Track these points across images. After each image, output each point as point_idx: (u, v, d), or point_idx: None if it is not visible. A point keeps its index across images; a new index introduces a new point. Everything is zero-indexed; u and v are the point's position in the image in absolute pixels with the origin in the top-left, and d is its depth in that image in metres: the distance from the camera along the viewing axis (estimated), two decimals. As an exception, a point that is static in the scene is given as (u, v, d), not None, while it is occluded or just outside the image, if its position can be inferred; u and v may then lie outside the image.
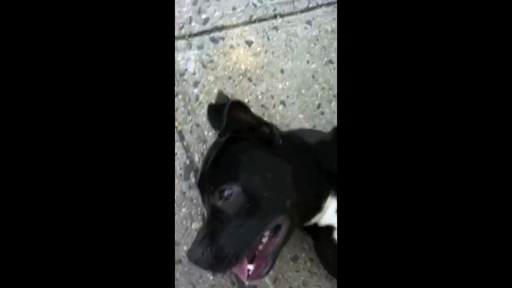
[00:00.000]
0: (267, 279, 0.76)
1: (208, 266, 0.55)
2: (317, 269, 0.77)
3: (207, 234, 0.56)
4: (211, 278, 0.72)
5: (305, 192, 0.61)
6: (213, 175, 0.60)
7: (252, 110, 0.81)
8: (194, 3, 0.77)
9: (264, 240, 0.60)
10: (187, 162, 0.73)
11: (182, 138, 0.73)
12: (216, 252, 0.54)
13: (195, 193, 0.73)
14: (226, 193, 0.56)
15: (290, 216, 0.59)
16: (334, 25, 0.94)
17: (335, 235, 0.67)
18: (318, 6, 0.94)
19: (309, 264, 0.78)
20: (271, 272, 0.77)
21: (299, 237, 0.78)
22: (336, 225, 0.66)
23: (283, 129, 0.81)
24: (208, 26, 0.78)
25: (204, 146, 0.75)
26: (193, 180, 0.73)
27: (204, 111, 0.75)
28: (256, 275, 0.60)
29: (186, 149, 0.73)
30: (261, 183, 0.58)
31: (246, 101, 0.81)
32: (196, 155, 0.74)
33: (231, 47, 0.80)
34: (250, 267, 0.59)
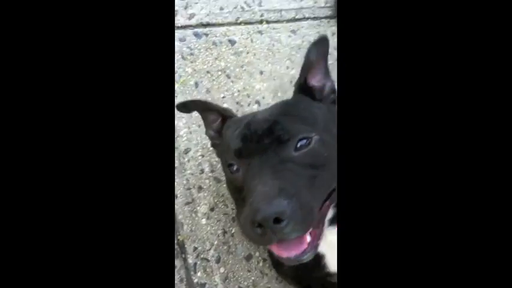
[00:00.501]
0: (217, 278, 0.75)
1: (300, 218, 0.44)
2: (268, 270, 0.77)
3: (282, 186, 0.46)
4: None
5: None
6: (287, 125, 0.52)
7: (226, 105, 0.84)
8: (182, -2, 0.81)
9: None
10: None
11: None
12: (302, 204, 0.45)
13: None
14: (305, 141, 0.50)
15: None
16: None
17: None
18: (304, 18, 0.98)
19: (261, 264, 0.78)
20: (222, 270, 0.77)
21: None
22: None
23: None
24: (193, 22, 0.81)
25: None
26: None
27: (177, 100, 0.77)
28: (312, 247, 0.49)
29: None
30: (332, 135, 0.53)
31: (222, 96, 0.84)
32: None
33: (214, 43, 0.83)
34: (308, 237, 0.49)
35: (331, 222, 0.60)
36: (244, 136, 0.54)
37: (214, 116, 0.67)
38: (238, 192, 0.54)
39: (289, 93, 0.91)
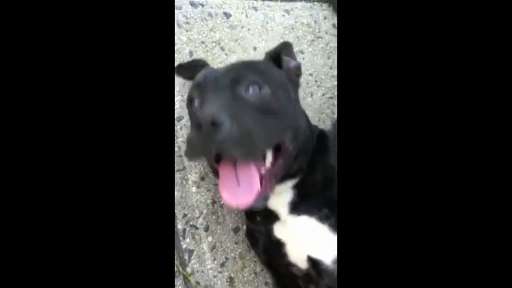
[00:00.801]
0: (205, 246, 0.75)
1: (238, 139, 0.46)
2: (256, 241, 0.78)
3: (228, 107, 0.49)
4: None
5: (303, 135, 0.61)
6: (244, 72, 0.57)
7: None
8: (179, -33, 0.80)
9: (268, 162, 0.56)
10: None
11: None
12: (242, 128, 0.47)
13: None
14: (256, 87, 0.55)
15: (293, 141, 0.57)
16: (310, 20, 1.00)
17: (276, 229, 0.66)
18: (298, 0, 1.00)
19: (249, 235, 0.79)
20: (210, 239, 0.77)
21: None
22: (282, 217, 0.65)
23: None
24: (189, -10, 0.81)
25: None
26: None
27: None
28: (261, 198, 0.51)
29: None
30: (287, 95, 0.59)
31: (216, 68, 0.84)
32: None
33: (209, 14, 0.83)
34: (258, 186, 0.52)
35: (293, 209, 0.64)
36: (205, 75, 0.60)
37: None
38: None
39: (281, 71, 0.92)
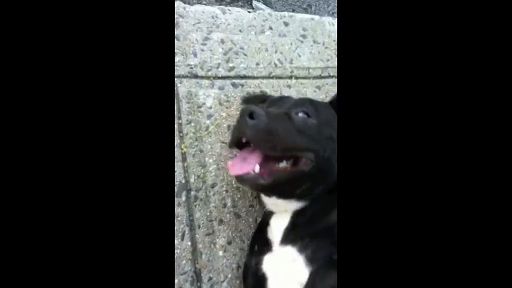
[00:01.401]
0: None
1: (262, 130, 0.63)
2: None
3: (273, 115, 0.67)
4: None
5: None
6: (303, 102, 0.75)
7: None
8: (225, 53, 0.93)
9: (283, 164, 0.68)
10: (183, 181, 0.82)
11: (184, 160, 0.83)
12: (269, 126, 0.63)
13: (182, 211, 0.81)
14: (304, 115, 0.70)
15: (311, 162, 0.68)
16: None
17: (265, 260, 0.72)
18: (329, 76, 1.09)
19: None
20: (247, 202, 0.87)
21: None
22: (274, 247, 0.72)
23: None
24: (232, 73, 0.93)
25: (202, 170, 0.85)
26: (183, 198, 0.81)
27: (210, 140, 0.87)
28: (248, 171, 0.64)
29: (185, 169, 0.83)
30: (325, 130, 0.71)
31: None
32: (193, 176, 0.83)
33: (248, 93, 0.94)
34: (257, 168, 0.64)
35: (284, 238, 0.70)
36: (272, 99, 0.82)
37: None
38: None
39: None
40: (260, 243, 0.76)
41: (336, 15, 1.54)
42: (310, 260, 0.64)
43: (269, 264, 0.71)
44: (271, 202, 0.74)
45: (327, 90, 1.07)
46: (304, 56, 1.06)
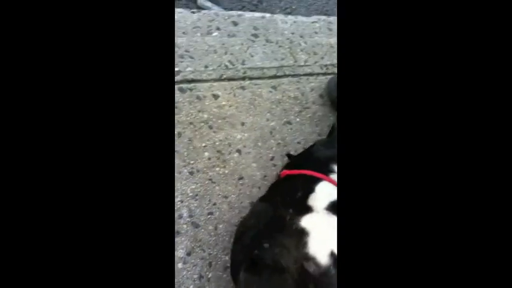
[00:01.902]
0: None
1: None
2: None
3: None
4: None
5: None
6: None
7: (207, 154, 0.90)
8: (171, 58, 0.90)
9: None
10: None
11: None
12: None
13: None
14: None
15: None
16: (297, 93, 1.07)
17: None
18: (285, 76, 1.08)
19: None
20: (205, 210, 0.77)
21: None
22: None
23: (236, 175, 0.88)
24: (178, 78, 0.90)
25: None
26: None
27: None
28: None
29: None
30: None
31: (204, 145, 0.90)
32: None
33: (198, 97, 0.91)
34: None
35: (329, 208, 0.64)
36: None
37: None
38: None
39: (269, 143, 0.97)
40: (296, 205, 0.66)
41: (288, 10, 1.53)
42: None
43: (310, 222, 0.62)
44: None
45: (283, 90, 1.05)
46: (257, 56, 1.05)
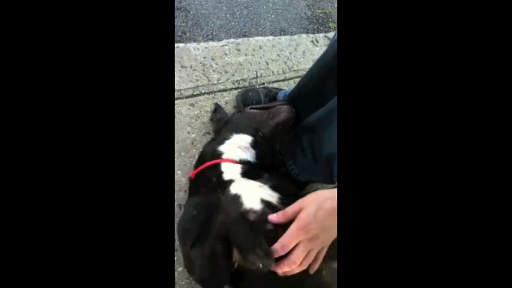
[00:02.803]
0: None
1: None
2: None
3: None
4: None
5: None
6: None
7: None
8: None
9: None
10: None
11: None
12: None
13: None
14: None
15: None
16: (213, 106, 1.25)
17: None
18: (201, 94, 1.26)
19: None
20: None
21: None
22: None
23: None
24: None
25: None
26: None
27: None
28: None
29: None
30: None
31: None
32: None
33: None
34: None
35: (244, 175, 0.83)
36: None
37: None
38: None
39: (191, 152, 1.13)
40: (218, 185, 0.80)
41: (210, 37, 1.73)
42: (274, 188, 0.77)
43: (237, 188, 0.76)
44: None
45: (201, 106, 1.23)
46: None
